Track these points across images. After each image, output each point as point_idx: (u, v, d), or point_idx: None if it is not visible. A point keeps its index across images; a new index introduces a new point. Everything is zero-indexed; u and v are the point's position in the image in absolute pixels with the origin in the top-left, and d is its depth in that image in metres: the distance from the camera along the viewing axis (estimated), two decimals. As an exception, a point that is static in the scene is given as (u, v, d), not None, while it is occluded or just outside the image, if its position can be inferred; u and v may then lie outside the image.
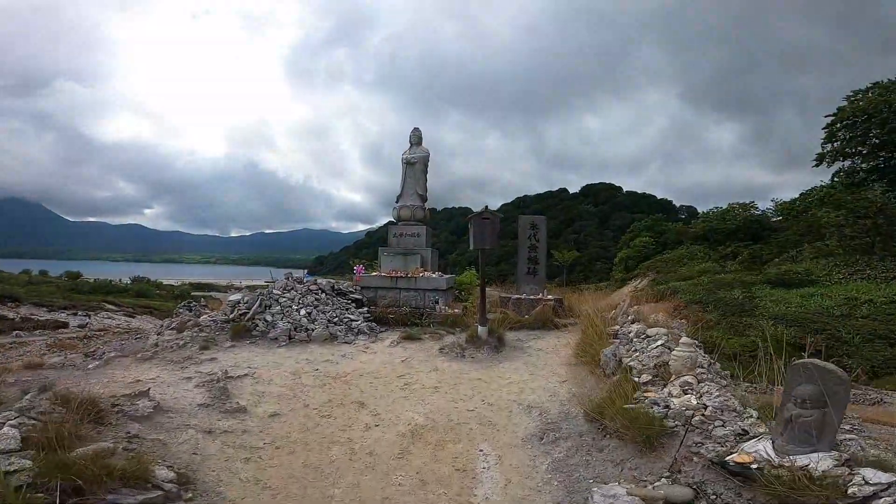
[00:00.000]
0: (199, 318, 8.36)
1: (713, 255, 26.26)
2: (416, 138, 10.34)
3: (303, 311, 7.74)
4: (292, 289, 8.38)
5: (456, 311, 8.47)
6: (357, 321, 7.75)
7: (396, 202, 10.44)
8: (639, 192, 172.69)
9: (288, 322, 7.44)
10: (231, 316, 7.78)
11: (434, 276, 9.23)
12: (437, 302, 8.71)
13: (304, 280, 8.78)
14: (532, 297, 8.91)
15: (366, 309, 8.37)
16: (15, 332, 19.92)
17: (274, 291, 8.16)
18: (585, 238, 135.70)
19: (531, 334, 7.66)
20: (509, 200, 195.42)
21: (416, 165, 10.15)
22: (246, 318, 7.53)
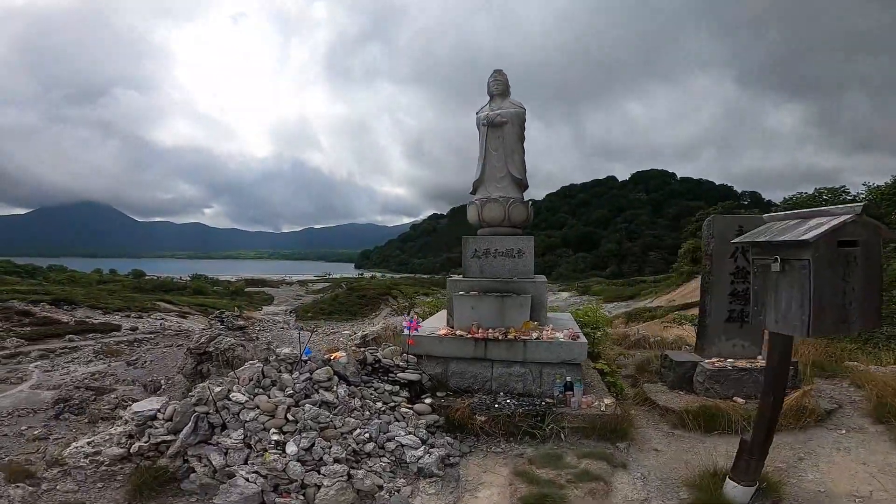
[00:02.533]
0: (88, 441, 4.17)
1: (799, 247, 23.12)
2: (498, 86, 6.18)
3: (292, 447, 3.52)
4: (274, 384, 4.20)
5: (604, 401, 4.64)
6: (416, 448, 3.81)
7: (473, 192, 6.26)
8: (694, 178, 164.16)
9: (258, 471, 3.40)
10: (137, 447, 3.71)
11: (560, 336, 5.07)
12: (568, 387, 4.65)
13: (305, 358, 4.52)
14: (746, 364, 5.03)
15: (429, 402, 4.59)
16: (68, 337, 20.42)
17: (233, 394, 3.96)
18: (637, 227, 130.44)
19: (785, 446, 3.95)
20: (554, 190, 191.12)
21: (505, 128, 5.95)
22: (168, 454, 3.62)
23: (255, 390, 4.16)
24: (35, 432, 9.87)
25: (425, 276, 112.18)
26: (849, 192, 27.15)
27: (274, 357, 4.61)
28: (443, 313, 7.10)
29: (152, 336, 22.10)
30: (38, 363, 16.91)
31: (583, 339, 5.14)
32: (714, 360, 5.22)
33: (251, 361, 4.88)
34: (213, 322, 12.63)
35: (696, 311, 16.94)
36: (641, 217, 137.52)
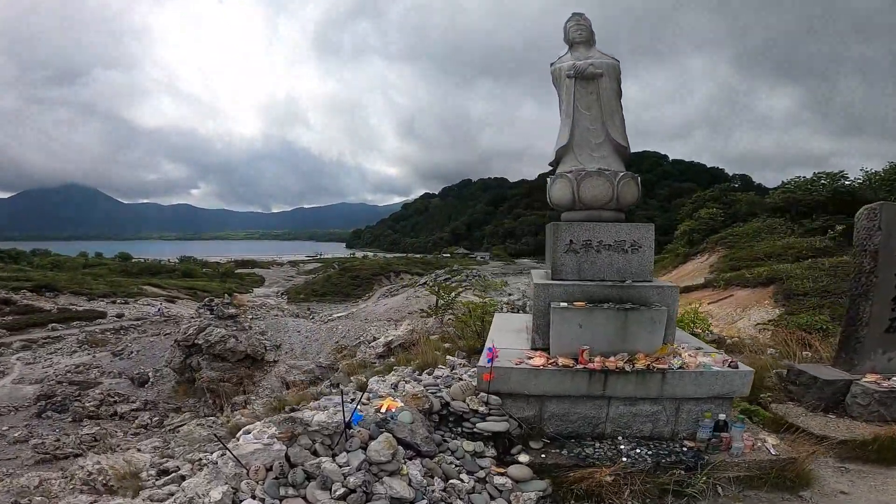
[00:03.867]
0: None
1: (797, 230, 23.05)
2: (582, 32, 4.93)
3: None
4: (310, 478, 2.73)
5: (768, 441, 3.80)
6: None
7: (556, 164, 5.00)
8: (686, 160, 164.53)
9: None
10: None
11: (709, 362, 3.95)
12: (720, 426, 3.70)
13: (353, 425, 3.02)
14: None
15: (526, 461, 3.46)
16: (51, 325, 19.70)
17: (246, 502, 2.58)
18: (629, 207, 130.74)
19: None
20: (549, 169, 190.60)
21: (601, 82, 4.73)
22: None
23: (281, 490, 2.65)
24: (16, 434, 9.42)
25: (417, 255, 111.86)
26: (847, 177, 26.98)
27: (301, 428, 2.95)
28: (505, 322, 5.66)
29: (139, 323, 21.52)
30: (20, 355, 16.33)
31: (745, 367, 3.95)
32: (873, 377, 4.43)
33: (257, 442, 3.10)
34: (201, 311, 12.10)
35: (699, 295, 16.68)
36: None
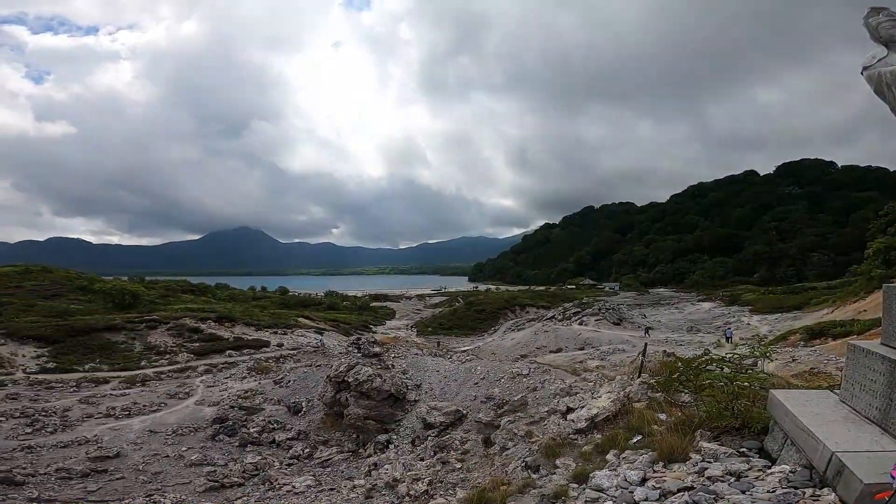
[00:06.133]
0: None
1: None
2: None
3: None
4: None
5: None
6: None
7: None
8: (861, 165, 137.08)
9: None
10: None
11: None
12: None
13: None
14: None
15: None
16: (227, 352, 23.07)
17: None
18: (791, 225, 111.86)
19: None
20: (680, 190, 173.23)
21: None
22: None
23: None
24: (193, 457, 10.71)
25: (541, 287, 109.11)
26: None
27: None
28: (806, 407, 4.18)
29: (295, 353, 24.02)
30: (203, 378, 19.15)
31: None
32: None
33: None
34: (350, 349, 12.93)
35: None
36: (795, 214, 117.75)
